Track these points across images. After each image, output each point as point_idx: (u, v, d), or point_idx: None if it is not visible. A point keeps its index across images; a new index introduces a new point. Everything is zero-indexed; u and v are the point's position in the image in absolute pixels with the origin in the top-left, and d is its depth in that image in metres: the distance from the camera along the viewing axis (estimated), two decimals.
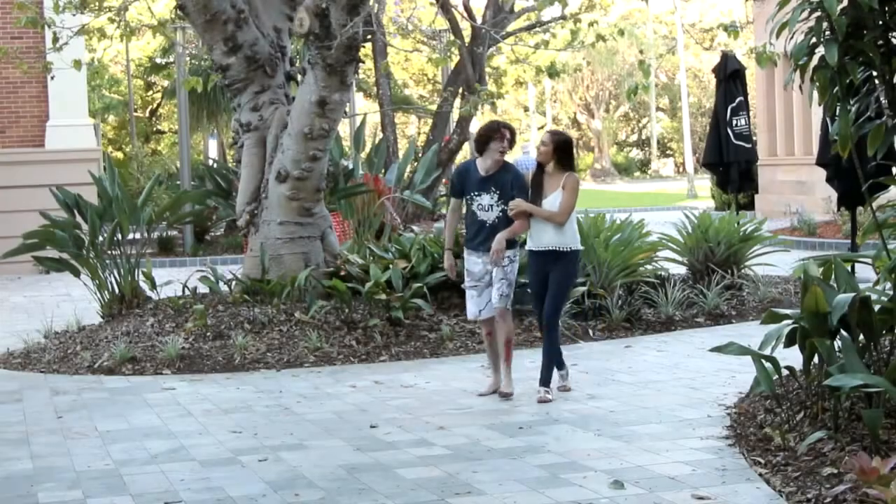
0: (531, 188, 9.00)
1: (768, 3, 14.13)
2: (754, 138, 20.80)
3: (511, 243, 9.01)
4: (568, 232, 8.92)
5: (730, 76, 17.35)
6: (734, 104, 17.21)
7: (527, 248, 9.14)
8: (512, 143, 9.06)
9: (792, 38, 7.24)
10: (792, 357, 7.27)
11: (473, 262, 9.17)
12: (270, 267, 12.11)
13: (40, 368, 11.13)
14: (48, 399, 9.69)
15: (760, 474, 6.40)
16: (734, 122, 17.12)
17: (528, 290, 9.54)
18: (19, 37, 20.77)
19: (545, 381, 8.96)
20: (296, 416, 8.63)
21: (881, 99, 7.41)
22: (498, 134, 9.00)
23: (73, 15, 14.81)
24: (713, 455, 6.96)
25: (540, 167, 9.05)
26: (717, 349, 7.39)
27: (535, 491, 6.37)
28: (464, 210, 9.40)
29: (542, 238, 8.93)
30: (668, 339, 11.57)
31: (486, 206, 9.04)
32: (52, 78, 15.99)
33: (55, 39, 14.17)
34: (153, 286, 12.63)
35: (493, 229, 8.98)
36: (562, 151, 8.95)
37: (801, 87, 7.58)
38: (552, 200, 8.85)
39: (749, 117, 17.58)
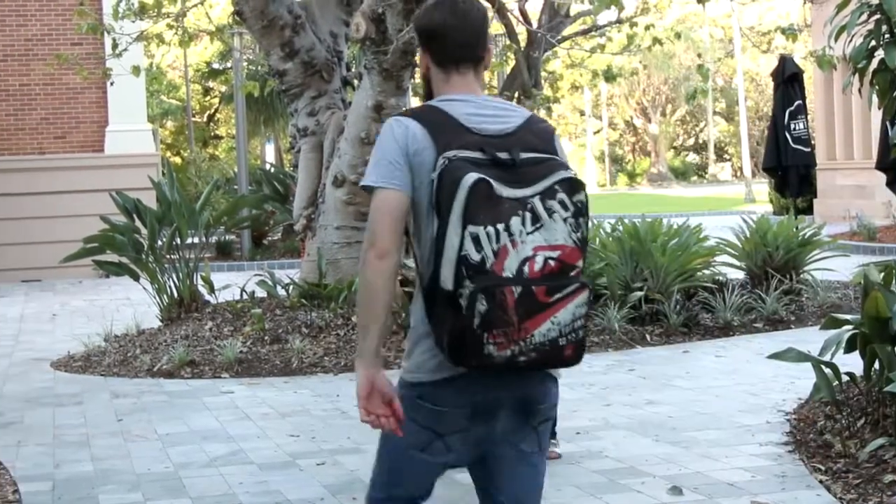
0: None
1: (826, 6, 14.02)
2: (813, 142, 20.63)
3: None
4: None
5: (788, 80, 17.23)
6: (792, 108, 17.09)
7: None
8: None
9: (851, 41, 7.18)
10: (852, 363, 7.20)
11: None
12: (328, 271, 12.15)
13: (100, 371, 11.24)
14: (108, 402, 9.77)
15: (821, 481, 6.33)
16: (792, 126, 17.00)
17: None
18: (79, 43, 21.02)
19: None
20: (353, 420, 8.64)
21: None
22: None
23: (132, 21, 14.97)
24: (772, 461, 6.90)
25: None
26: (776, 356, 7.30)
27: (593, 496, 6.35)
28: None
29: None
30: (726, 345, 11.48)
31: None
32: (112, 84, 16.19)
33: (114, 46, 14.35)
34: (211, 290, 12.70)
35: None
36: None
37: (860, 91, 7.53)
38: None
39: (807, 121, 17.46)
